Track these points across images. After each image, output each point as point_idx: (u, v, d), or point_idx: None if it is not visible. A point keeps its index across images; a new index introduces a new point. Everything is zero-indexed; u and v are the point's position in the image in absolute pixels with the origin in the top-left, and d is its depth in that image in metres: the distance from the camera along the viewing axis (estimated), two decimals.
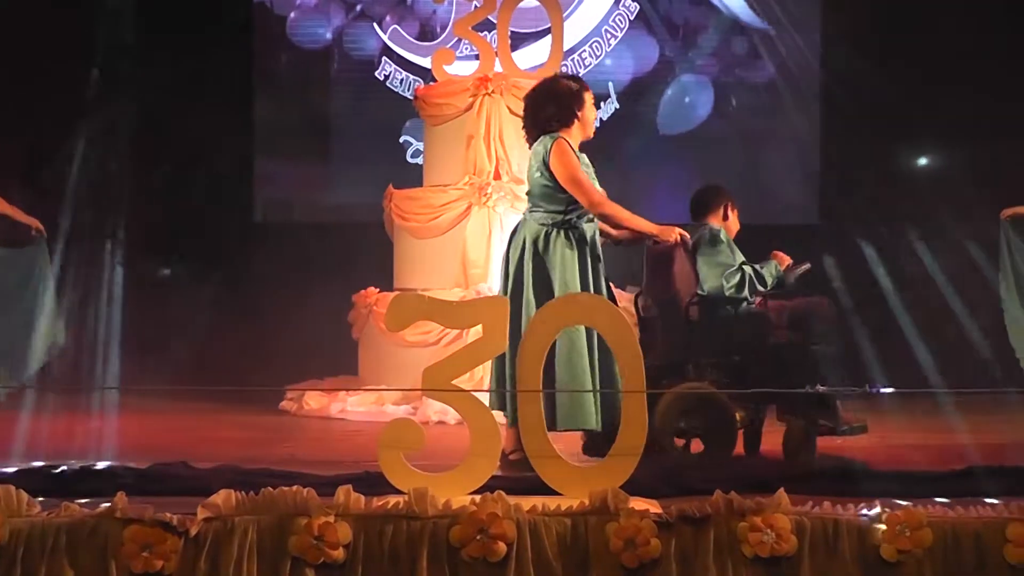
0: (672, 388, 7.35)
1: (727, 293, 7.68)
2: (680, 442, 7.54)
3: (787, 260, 7.88)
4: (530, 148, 7.31)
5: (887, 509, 4.84)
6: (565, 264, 7.04)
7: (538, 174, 7.14)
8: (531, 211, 7.22)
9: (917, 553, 4.75)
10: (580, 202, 7.08)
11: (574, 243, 7.11)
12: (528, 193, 7.31)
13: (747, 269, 7.72)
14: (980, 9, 13.22)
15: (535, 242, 7.08)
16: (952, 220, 12.94)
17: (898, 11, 13.72)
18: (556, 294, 6.89)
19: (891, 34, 13.75)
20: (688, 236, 7.61)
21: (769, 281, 7.76)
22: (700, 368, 7.63)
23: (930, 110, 13.49)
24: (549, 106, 7.24)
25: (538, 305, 6.71)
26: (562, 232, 7.11)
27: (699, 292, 7.69)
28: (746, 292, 7.71)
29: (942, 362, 11.37)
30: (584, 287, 7.02)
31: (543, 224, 7.13)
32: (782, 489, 4.89)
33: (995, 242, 12.09)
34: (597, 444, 7.23)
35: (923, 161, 15.23)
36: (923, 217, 13.40)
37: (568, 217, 7.14)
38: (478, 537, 4.72)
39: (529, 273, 7.05)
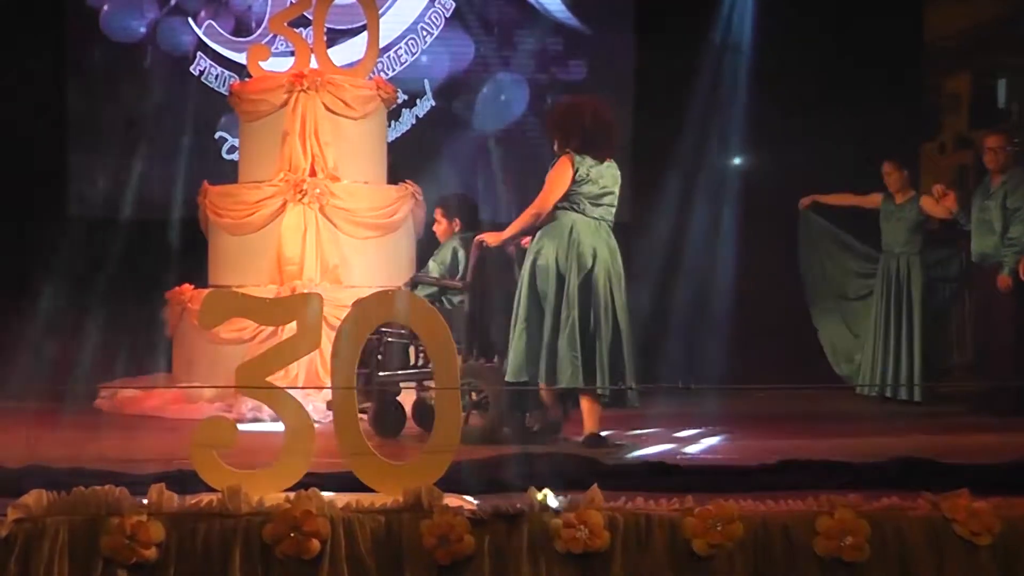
0: None
1: None
2: None
3: None
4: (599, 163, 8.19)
5: (699, 504, 4.89)
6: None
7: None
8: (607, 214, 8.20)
9: (728, 547, 4.79)
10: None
11: None
12: (608, 203, 8.18)
13: None
14: (793, 16, 13.50)
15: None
16: (762, 219, 13.23)
17: (710, 13, 13.95)
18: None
19: (703, 36, 13.97)
20: None
21: None
22: None
23: (739, 110, 13.74)
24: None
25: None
26: None
27: None
28: None
29: (752, 358, 11.63)
30: None
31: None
32: (595, 485, 4.92)
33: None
34: None
35: (736, 161, 15.49)
36: (736, 216, 13.66)
37: None
38: (291, 535, 4.69)
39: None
